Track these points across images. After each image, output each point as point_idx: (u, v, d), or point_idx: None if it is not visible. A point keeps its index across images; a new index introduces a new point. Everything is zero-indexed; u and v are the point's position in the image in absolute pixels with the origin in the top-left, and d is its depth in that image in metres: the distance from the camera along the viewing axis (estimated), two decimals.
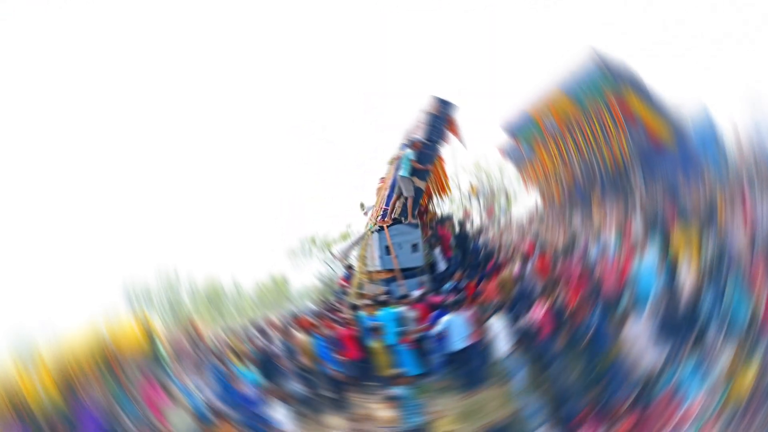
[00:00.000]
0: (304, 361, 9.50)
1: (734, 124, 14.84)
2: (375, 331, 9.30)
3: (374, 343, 9.31)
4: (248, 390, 8.88)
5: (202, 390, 9.02)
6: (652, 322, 8.00)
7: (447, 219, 12.63)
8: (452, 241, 11.61)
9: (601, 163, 13.33)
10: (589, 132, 13.23)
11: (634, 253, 9.47)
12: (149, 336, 12.90)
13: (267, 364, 9.56)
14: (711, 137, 12.00)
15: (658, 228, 9.91)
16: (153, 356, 12.56)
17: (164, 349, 12.89)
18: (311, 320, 10.31)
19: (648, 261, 9.06)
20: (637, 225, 10.43)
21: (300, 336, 9.71)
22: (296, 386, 9.30)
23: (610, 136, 12.72)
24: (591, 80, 12.28)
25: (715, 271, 8.27)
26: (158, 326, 13.80)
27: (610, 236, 10.38)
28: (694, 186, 11.09)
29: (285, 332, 10.16)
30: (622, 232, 10.32)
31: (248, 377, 8.98)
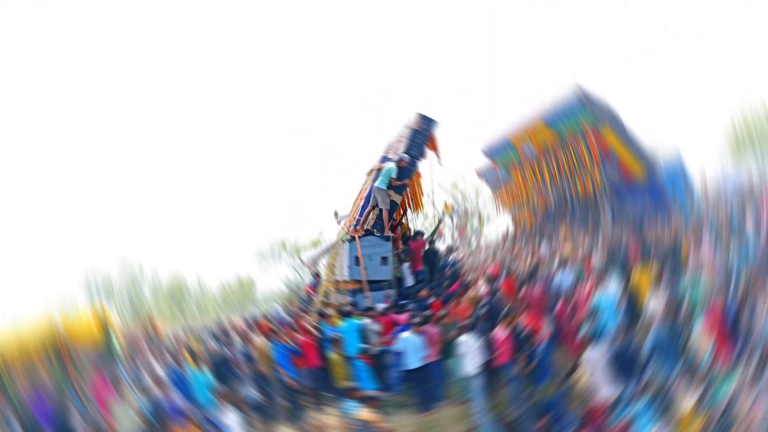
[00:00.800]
0: (262, 366, 9.32)
1: (703, 172, 15.42)
2: (336, 341, 9.19)
3: (334, 354, 9.20)
4: (200, 393, 8.65)
5: (154, 389, 8.74)
6: (608, 355, 8.07)
7: (419, 235, 12.63)
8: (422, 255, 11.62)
9: (574, 192, 13.56)
10: (564, 162, 13.47)
11: (596, 285, 9.61)
12: (105, 329, 12.55)
13: (223, 368, 9.34)
14: (681, 180, 12.34)
15: (621, 262, 10.09)
16: (107, 350, 12.22)
17: (119, 344, 12.54)
18: (273, 325, 10.13)
19: (609, 294, 9.21)
20: (601, 257, 10.61)
21: (259, 341, 9.52)
22: (251, 392, 9.10)
23: (585, 167, 12.96)
24: (571, 113, 12.55)
25: (673, 310, 8.40)
26: (115, 320, 13.45)
27: (575, 266, 10.52)
28: (661, 225, 11.36)
29: (245, 336, 9.96)
30: (587, 263, 10.47)
31: (201, 380, 8.74)
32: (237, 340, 9.96)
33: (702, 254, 9.71)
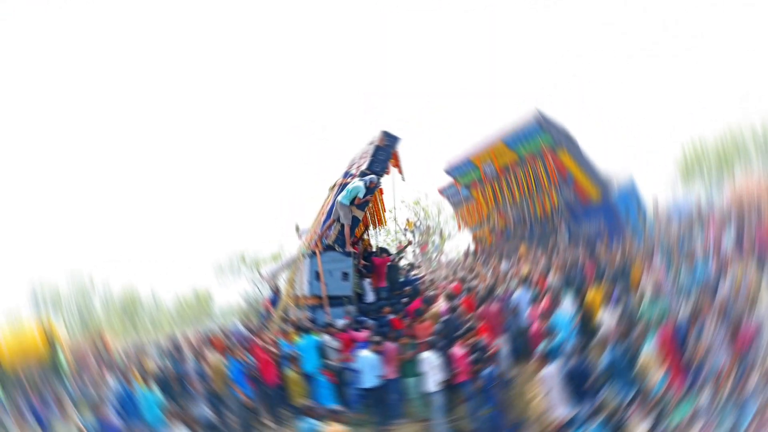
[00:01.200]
0: (216, 384, 9.05)
1: (655, 197, 16.05)
2: (294, 358, 9.02)
3: (292, 371, 9.03)
4: (149, 412, 8.30)
5: (99, 406, 8.35)
6: (563, 374, 8.19)
7: (384, 251, 12.64)
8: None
9: (532, 212, 13.86)
10: (523, 182, 13.78)
11: (552, 303, 9.79)
12: (51, 343, 11.99)
13: (175, 385, 9.02)
14: (634, 204, 12.78)
15: (576, 282, 10.33)
16: (52, 366, 11.66)
17: (65, 360, 11.99)
18: (229, 341, 9.87)
19: (564, 313, 9.40)
20: (556, 276, 10.83)
21: (214, 357, 9.25)
22: (203, 410, 8.81)
23: (543, 187, 13.29)
24: (531, 135, 12.90)
25: (626, 330, 8.62)
26: (62, 334, 12.88)
27: (532, 285, 10.70)
28: (614, 245, 11.70)
29: (199, 352, 9.67)
30: (543, 281, 10.66)
31: (150, 398, 8.38)
32: (191, 356, 9.64)
33: (653, 275, 10.02)
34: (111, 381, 8.76)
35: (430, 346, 9.05)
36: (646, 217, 13.38)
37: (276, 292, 14.02)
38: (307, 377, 8.92)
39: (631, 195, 12.91)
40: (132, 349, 12.60)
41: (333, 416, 7.95)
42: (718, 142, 27.49)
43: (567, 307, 9.59)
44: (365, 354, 8.92)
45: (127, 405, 8.24)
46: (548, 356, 8.39)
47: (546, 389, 8.23)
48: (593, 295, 9.70)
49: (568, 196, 13.18)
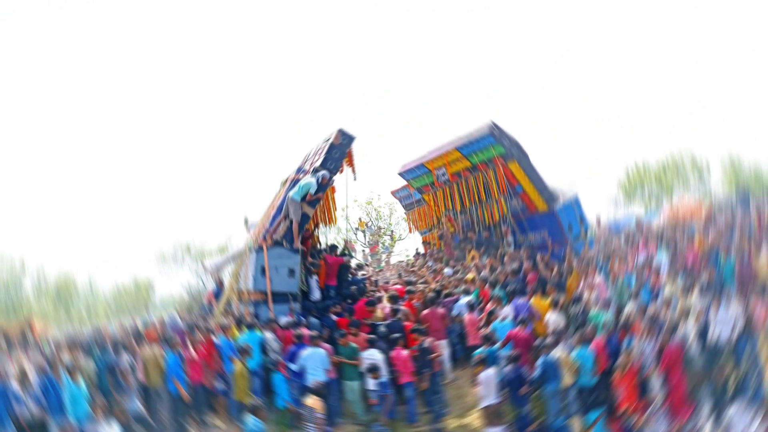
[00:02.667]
0: (151, 377, 8.73)
1: (598, 214, 16.70)
2: (244, 351, 8.81)
3: (233, 367, 8.84)
4: (75, 405, 7.88)
5: (22, 397, 7.86)
6: (500, 379, 8.37)
7: (332, 249, 12.56)
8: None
9: (481, 218, 14.10)
10: (474, 189, 14.00)
11: (494, 310, 10.00)
12: None
13: (107, 377, 8.62)
14: (577, 218, 13.22)
15: (519, 289, 10.58)
16: None
17: None
18: (167, 334, 9.53)
19: (505, 320, 9.61)
20: (501, 282, 11.07)
21: (151, 350, 8.91)
22: (135, 405, 8.46)
23: (492, 195, 13.54)
24: (485, 145, 13.12)
25: (564, 339, 8.90)
26: None
27: (476, 290, 10.88)
28: (557, 256, 12.07)
29: (135, 343, 9.29)
30: (487, 287, 10.87)
31: (75, 391, 7.94)
32: (126, 347, 9.23)
33: (592, 287, 10.38)
34: (37, 370, 8.24)
35: (371, 346, 9.04)
36: (588, 231, 13.85)
37: (220, 285, 13.72)
38: (250, 373, 8.74)
39: (574, 209, 13.32)
40: (63, 337, 11.97)
41: (269, 414, 7.80)
42: (660, 166, 29.08)
43: (508, 314, 9.81)
44: (310, 351, 8.82)
45: (51, 398, 7.78)
46: (486, 361, 8.53)
47: (482, 392, 8.36)
48: (536, 302, 9.98)
49: (516, 206, 13.49)
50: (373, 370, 8.78)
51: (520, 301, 10.00)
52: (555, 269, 10.98)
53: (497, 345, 9.02)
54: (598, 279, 10.67)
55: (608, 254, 11.89)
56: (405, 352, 9.04)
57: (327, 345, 9.11)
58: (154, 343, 9.10)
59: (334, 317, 10.11)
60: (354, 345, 9.02)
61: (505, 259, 12.38)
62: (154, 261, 29.55)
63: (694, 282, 9.95)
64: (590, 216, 14.49)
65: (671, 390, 8.23)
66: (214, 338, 9.08)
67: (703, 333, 8.93)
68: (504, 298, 10.44)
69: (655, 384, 8.33)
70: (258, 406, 7.80)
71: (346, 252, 12.59)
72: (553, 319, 9.39)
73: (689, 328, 8.95)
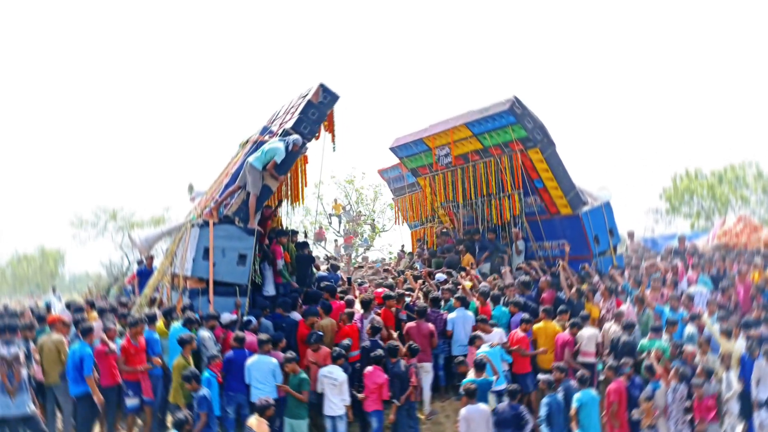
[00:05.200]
0: (50, 372, 8.68)
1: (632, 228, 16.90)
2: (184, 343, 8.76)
3: (153, 365, 8.87)
4: None
5: None
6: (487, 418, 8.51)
7: (293, 233, 12.54)
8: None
9: (487, 216, 14.14)
10: (483, 178, 13.99)
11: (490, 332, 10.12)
12: None
13: None
14: (605, 229, 13.31)
15: (528, 308, 10.71)
16: None
17: None
18: (76, 319, 9.47)
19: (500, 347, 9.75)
20: (505, 298, 11.18)
21: (53, 337, 8.85)
22: (26, 405, 8.37)
23: (504, 188, 13.56)
24: (502, 124, 13.02)
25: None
26: None
27: (472, 305, 10.96)
28: (578, 273, 12.20)
29: (31, 328, 9.21)
30: (485, 304, 10.97)
31: None
32: (23, 330, 9.13)
33: (619, 317, 10.54)
34: None
35: (336, 359, 9.10)
36: (617, 246, 13.99)
37: (149, 265, 13.62)
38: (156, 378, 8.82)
39: (604, 217, 13.41)
40: None
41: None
42: (715, 176, 29.39)
43: (500, 338, 9.96)
44: (257, 358, 8.85)
45: None
46: (475, 393, 8.61)
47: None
48: (546, 326, 10.12)
49: (533, 205, 13.55)
50: (332, 390, 8.84)
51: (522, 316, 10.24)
52: (575, 288, 11.12)
53: (489, 375, 9.14)
54: (625, 306, 10.85)
55: (639, 278, 12.03)
56: (376, 372, 9.09)
57: (280, 354, 9.12)
58: (57, 330, 9.03)
59: (294, 318, 10.15)
60: (303, 375, 8.93)
61: (503, 270, 12.45)
62: (68, 228, 29.27)
63: (739, 323, 10.13)
64: (622, 228, 14.65)
65: None
66: (137, 330, 9.04)
67: (745, 390, 9.14)
68: (503, 317, 10.60)
69: None
70: (184, 421, 7.79)
71: (318, 241, 12.60)
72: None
73: (730, 380, 9.15)
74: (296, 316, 10.32)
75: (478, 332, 10.02)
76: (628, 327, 10.09)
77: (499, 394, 9.27)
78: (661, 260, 14.12)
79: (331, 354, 9.24)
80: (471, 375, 8.96)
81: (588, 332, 10.13)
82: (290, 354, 9.07)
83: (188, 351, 8.76)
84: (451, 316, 10.56)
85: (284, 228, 12.71)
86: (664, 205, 30.58)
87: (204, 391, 8.26)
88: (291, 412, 8.84)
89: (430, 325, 10.21)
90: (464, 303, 10.86)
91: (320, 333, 9.53)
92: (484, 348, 9.57)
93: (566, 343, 9.97)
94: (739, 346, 9.54)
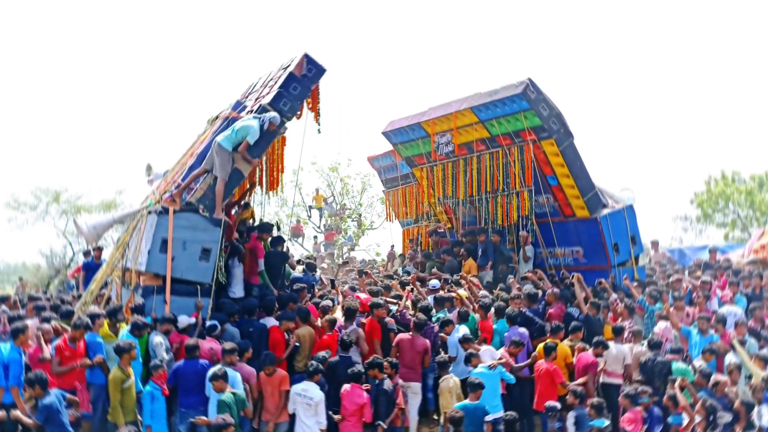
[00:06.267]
0: None
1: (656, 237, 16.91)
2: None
3: (105, 373, 8.73)
4: None
5: None
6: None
7: (268, 227, 12.40)
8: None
9: (492, 215, 14.06)
10: (489, 171, 13.91)
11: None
12: None
13: None
14: (626, 236, 13.28)
15: (534, 325, 10.63)
16: None
17: None
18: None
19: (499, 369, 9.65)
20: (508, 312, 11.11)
21: None
22: None
23: (512, 184, 13.49)
24: (513, 110, 12.96)
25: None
26: None
27: (471, 318, 10.88)
28: (594, 286, 12.14)
29: None
30: (485, 317, 10.89)
31: None
32: None
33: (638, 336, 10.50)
34: None
35: (313, 374, 9.02)
36: (640, 256, 13.95)
37: (97, 257, 13.54)
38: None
39: (626, 223, 13.40)
40: None
41: None
42: (755, 181, 29.30)
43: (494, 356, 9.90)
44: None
45: None
46: (461, 422, 8.49)
47: None
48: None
49: (545, 204, 13.48)
50: (305, 410, 8.76)
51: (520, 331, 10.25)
52: (590, 301, 11.10)
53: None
54: (659, 327, 10.88)
55: (655, 294, 11.97)
56: (357, 391, 9.02)
57: (248, 367, 9.08)
58: None
59: (264, 324, 10.09)
60: (240, 395, 8.75)
61: (509, 280, 12.40)
62: (3, 210, 29.16)
63: None
64: (646, 236, 14.61)
65: None
66: (78, 331, 8.86)
67: None
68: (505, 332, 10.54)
69: None
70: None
71: (295, 237, 12.53)
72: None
73: (761, 415, 9.10)
74: (270, 321, 10.21)
75: (472, 350, 9.93)
76: (655, 347, 10.04)
77: (495, 424, 9.14)
78: (689, 275, 14.07)
79: (307, 368, 9.16)
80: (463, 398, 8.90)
81: (615, 349, 10.09)
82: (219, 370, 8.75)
83: (126, 361, 8.60)
84: (451, 339, 10.44)
85: (267, 222, 12.56)
86: (695, 212, 30.58)
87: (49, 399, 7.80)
88: None
89: (426, 342, 10.11)
90: (463, 318, 10.78)
91: (275, 356, 9.44)
92: (480, 369, 9.47)
93: (588, 366, 9.86)
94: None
